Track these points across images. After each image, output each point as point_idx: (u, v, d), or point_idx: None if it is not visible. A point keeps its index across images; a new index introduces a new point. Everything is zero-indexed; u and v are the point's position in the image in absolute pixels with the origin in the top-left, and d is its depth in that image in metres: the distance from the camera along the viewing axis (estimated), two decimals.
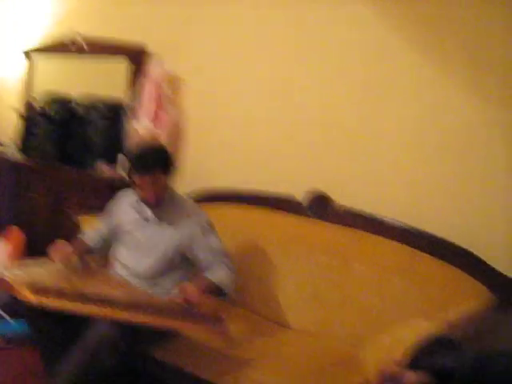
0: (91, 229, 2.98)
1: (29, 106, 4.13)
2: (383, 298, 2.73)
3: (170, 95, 3.65)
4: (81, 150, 3.66)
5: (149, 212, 2.73)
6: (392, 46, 2.96)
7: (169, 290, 2.63)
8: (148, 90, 3.63)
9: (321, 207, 3.11)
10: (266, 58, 3.44)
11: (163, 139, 3.62)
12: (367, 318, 2.73)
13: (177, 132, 3.69)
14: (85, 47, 4.03)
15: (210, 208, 3.11)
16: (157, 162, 2.64)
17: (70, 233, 3.12)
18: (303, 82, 3.28)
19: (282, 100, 3.36)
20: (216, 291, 2.56)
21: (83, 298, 2.34)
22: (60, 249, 2.71)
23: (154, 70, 3.64)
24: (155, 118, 3.62)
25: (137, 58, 3.81)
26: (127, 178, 3.00)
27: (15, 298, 2.47)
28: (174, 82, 3.68)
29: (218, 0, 3.58)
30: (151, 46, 3.80)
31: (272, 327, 2.88)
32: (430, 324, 2.16)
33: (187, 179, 3.64)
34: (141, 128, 3.59)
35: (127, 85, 3.84)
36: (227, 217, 3.24)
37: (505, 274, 2.61)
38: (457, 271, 2.68)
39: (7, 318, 3.31)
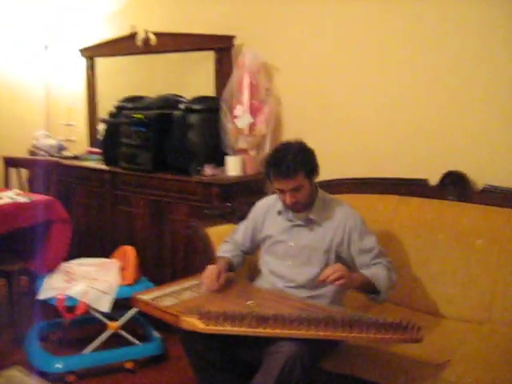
0: (226, 242, 2.81)
1: (112, 113, 3.89)
2: None
3: (266, 85, 3.45)
4: (180, 154, 3.43)
5: (299, 218, 2.56)
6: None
7: (331, 299, 2.51)
8: (243, 82, 3.42)
9: (459, 188, 2.93)
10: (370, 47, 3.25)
11: (264, 132, 3.45)
12: None
13: (276, 124, 3.50)
14: (153, 44, 3.83)
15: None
16: (298, 165, 2.42)
17: (201, 248, 2.96)
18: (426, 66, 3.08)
19: (404, 85, 3.17)
20: (369, 289, 2.40)
21: (258, 319, 2.19)
22: (212, 275, 2.54)
23: (247, 60, 3.42)
24: (254, 110, 3.42)
25: (225, 51, 3.59)
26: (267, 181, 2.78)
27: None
28: (268, 72, 3.48)
29: None
30: (240, 38, 3.58)
31: (430, 319, 2.74)
32: None
33: None
34: (241, 122, 3.40)
35: (217, 79, 3.64)
36: (358, 209, 3.06)
37: None
38: None
39: (136, 342, 3.19)
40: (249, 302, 2.36)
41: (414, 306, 2.87)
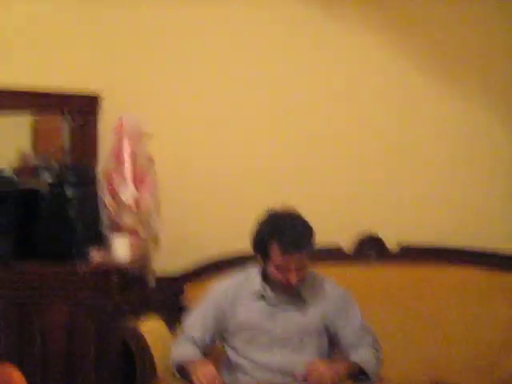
0: (181, 342, 2.32)
1: None
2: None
3: (147, 152, 3.00)
4: (55, 237, 2.71)
5: (284, 299, 2.26)
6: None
7: None
8: (123, 150, 2.91)
9: (374, 249, 2.97)
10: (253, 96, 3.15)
11: (151, 205, 2.98)
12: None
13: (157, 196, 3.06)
14: None
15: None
16: (309, 238, 2.21)
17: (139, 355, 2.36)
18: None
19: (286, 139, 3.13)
20: (358, 374, 2.25)
21: None
22: (213, 375, 2.09)
23: (126, 125, 2.93)
24: (138, 183, 2.93)
25: (86, 111, 3.01)
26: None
27: None
28: (145, 137, 3.03)
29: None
30: (109, 95, 3.05)
31: None
32: None
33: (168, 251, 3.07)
34: (126, 196, 2.87)
35: (77, 147, 3.02)
36: None
37: None
38: None
39: None
40: None
41: None
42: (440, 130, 3.10)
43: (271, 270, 2.21)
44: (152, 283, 3.01)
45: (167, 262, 3.06)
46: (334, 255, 2.96)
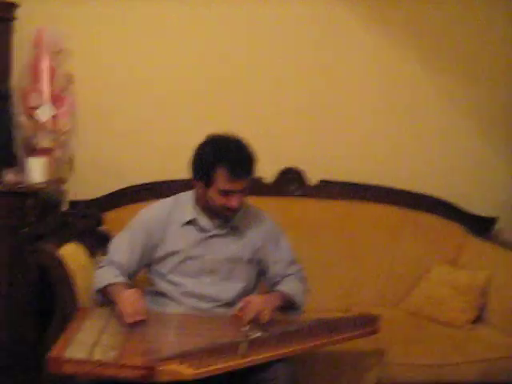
0: (104, 267, 2.22)
1: None
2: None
3: (66, 70, 2.82)
4: None
5: (218, 226, 2.23)
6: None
7: None
8: (41, 65, 2.71)
9: (296, 184, 3.01)
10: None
11: (68, 127, 2.82)
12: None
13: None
14: None
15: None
16: (254, 162, 2.15)
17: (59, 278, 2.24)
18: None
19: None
20: (288, 305, 2.25)
21: (254, 345, 1.88)
22: (137, 300, 2.05)
23: (46, 38, 2.72)
24: (55, 101, 2.76)
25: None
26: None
27: None
28: (65, 54, 2.84)
29: None
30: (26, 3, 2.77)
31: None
32: None
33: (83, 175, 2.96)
34: (43, 115, 2.69)
35: None
36: None
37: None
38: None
39: None
40: (245, 329, 1.97)
41: None
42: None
43: (213, 195, 2.13)
44: (65, 206, 2.90)
45: (81, 187, 2.95)
46: (255, 186, 2.95)
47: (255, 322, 2.03)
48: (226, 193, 2.12)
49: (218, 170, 2.09)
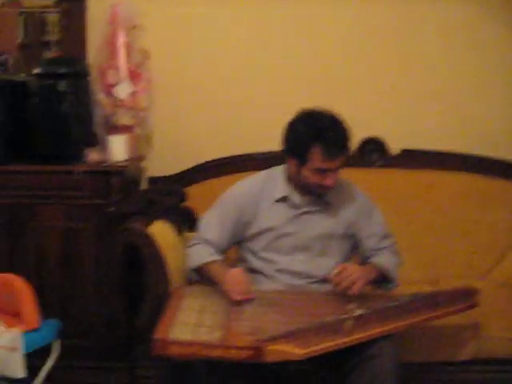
0: (198, 245, 2.21)
1: None
2: None
3: (142, 46, 2.78)
4: (48, 136, 2.50)
5: (311, 203, 2.18)
6: None
7: None
8: (117, 42, 2.67)
9: (378, 154, 2.91)
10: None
11: (146, 104, 2.79)
12: None
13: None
14: None
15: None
16: (350, 139, 2.10)
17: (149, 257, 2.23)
18: None
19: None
20: (381, 279, 2.20)
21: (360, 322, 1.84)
22: (242, 279, 2.04)
23: (121, 13, 2.68)
24: (133, 78, 2.72)
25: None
26: None
27: None
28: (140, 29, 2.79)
29: None
30: None
31: None
32: None
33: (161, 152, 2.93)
34: (122, 92, 2.67)
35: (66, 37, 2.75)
36: None
37: None
38: None
39: None
40: (350, 306, 1.92)
41: None
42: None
43: (307, 173, 2.08)
44: (145, 184, 2.89)
45: (159, 163, 2.93)
46: None
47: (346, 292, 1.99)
48: (321, 171, 2.06)
49: (313, 148, 2.04)
